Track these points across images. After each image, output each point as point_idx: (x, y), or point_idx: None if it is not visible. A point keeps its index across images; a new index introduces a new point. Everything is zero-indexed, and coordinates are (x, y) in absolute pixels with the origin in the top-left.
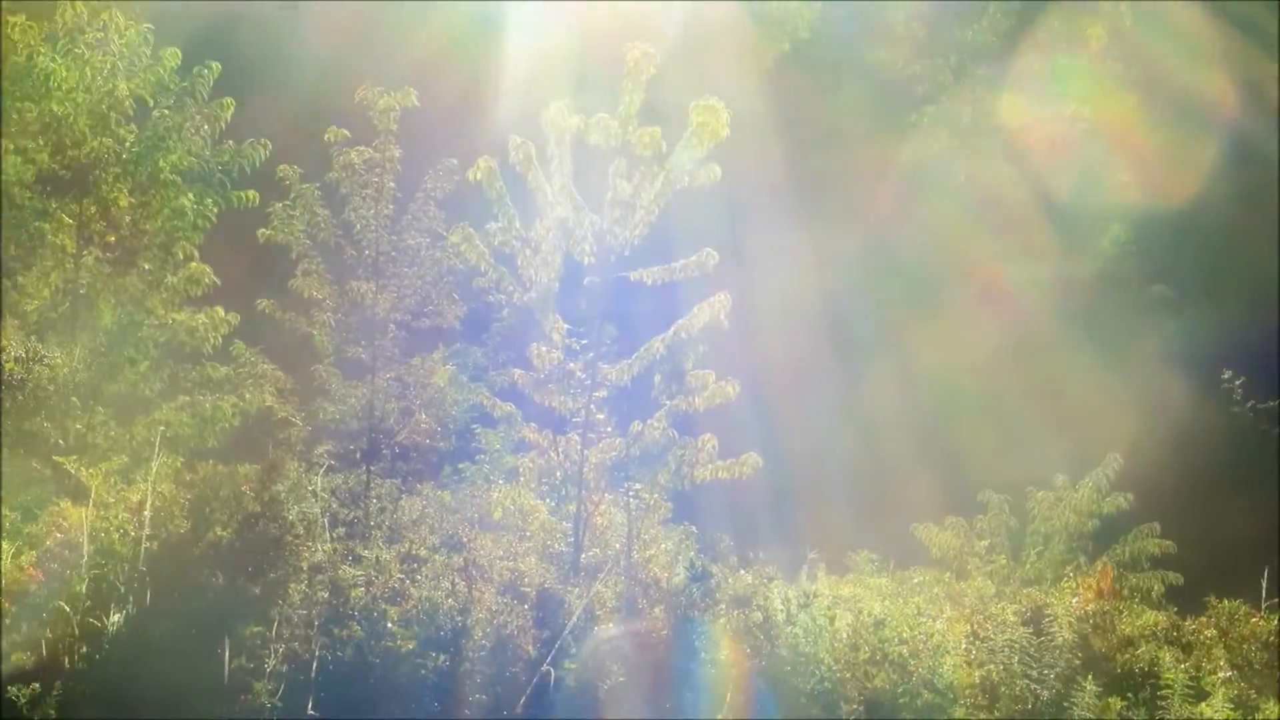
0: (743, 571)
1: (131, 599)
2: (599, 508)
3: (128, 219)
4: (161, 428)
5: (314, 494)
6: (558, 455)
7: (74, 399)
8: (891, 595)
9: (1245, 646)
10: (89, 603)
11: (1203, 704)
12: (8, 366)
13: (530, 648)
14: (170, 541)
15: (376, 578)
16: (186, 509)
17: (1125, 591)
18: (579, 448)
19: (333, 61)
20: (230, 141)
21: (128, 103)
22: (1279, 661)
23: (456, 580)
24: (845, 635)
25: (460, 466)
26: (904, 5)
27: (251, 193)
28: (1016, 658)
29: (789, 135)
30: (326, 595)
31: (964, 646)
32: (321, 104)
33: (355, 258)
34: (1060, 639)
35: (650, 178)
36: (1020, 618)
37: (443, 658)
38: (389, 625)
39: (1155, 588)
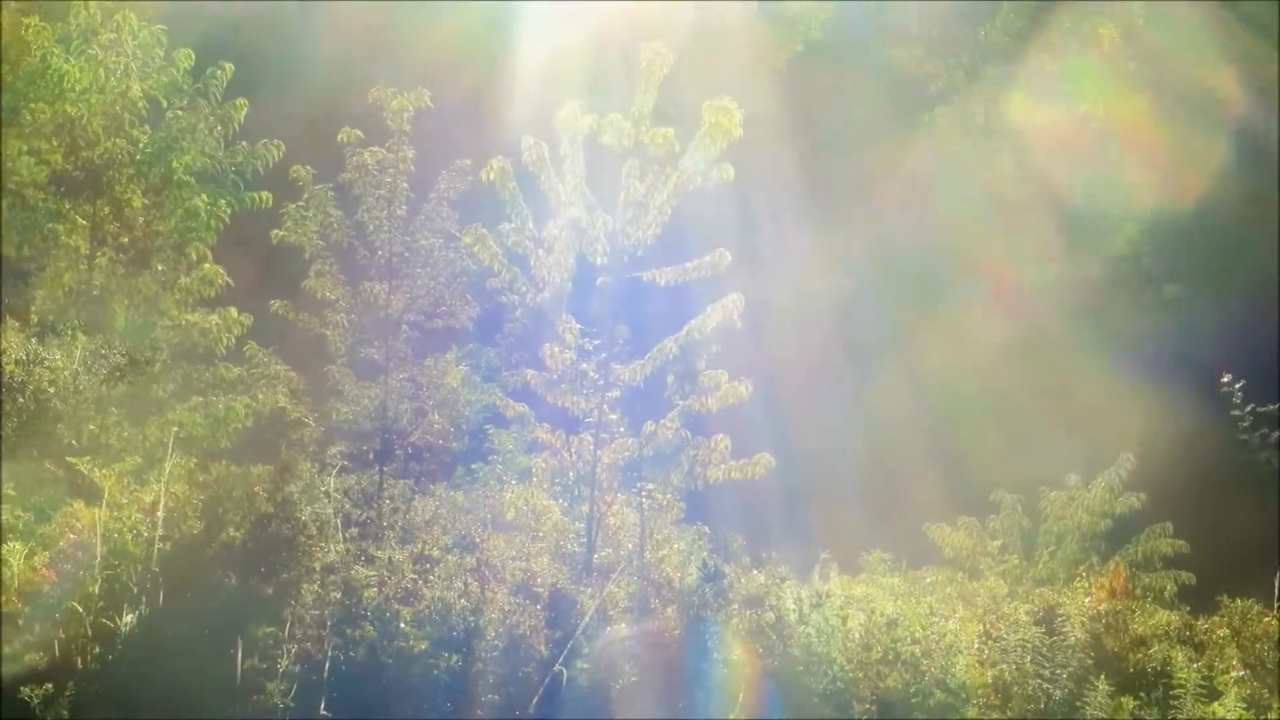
0: (755, 571)
1: (144, 599)
2: (612, 508)
3: (141, 220)
4: (175, 428)
5: (327, 494)
6: (570, 455)
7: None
8: (904, 595)
9: (1258, 646)
10: (102, 603)
11: (1215, 704)
12: (8, 369)
13: (543, 648)
14: (183, 542)
15: (389, 578)
16: (199, 510)
17: (1138, 591)
18: (592, 448)
19: (344, 62)
20: (244, 143)
21: (141, 104)
22: None
23: (469, 580)
24: (858, 635)
25: (473, 467)
26: (917, 5)
27: (265, 194)
28: (1029, 657)
29: (801, 135)
30: (339, 595)
31: (976, 646)
32: (333, 105)
33: (368, 258)
34: (1073, 639)
35: (663, 178)
36: (1033, 617)
37: (455, 658)
38: (402, 625)
39: (1168, 587)
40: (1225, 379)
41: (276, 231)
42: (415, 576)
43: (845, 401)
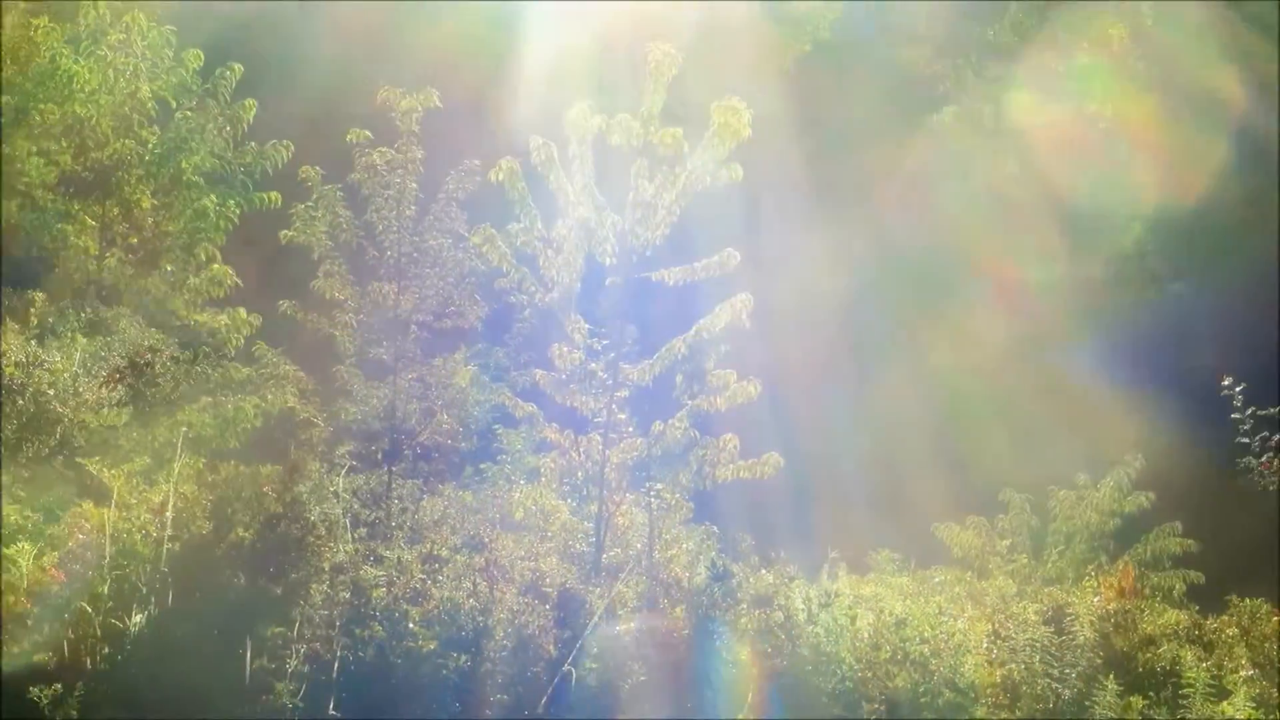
0: (764, 571)
1: (153, 599)
2: (620, 508)
3: (150, 220)
4: (183, 429)
5: (335, 495)
6: (579, 455)
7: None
8: (913, 595)
9: (1267, 645)
10: (111, 603)
11: (1224, 703)
12: (8, 371)
13: (551, 648)
14: (192, 542)
15: (398, 578)
16: (208, 510)
17: (1146, 590)
18: (600, 448)
19: (347, 62)
20: (252, 143)
21: (150, 104)
22: None
23: (478, 580)
24: (866, 635)
25: (482, 467)
26: (925, 5)
27: (274, 194)
28: (1038, 657)
29: (808, 135)
30: (348, 596)
31: (985, 646)
32: (336, 105)
33: (377, 259)
34: (1082, 638)
35: (672, 178)
36: (1042, 617)
37: (464, 658)
38: (410, 625)
39: (1177, 586)
40: (1226, 381)
41: (285, 232)
42: (424, 576)
43: (853, 401)
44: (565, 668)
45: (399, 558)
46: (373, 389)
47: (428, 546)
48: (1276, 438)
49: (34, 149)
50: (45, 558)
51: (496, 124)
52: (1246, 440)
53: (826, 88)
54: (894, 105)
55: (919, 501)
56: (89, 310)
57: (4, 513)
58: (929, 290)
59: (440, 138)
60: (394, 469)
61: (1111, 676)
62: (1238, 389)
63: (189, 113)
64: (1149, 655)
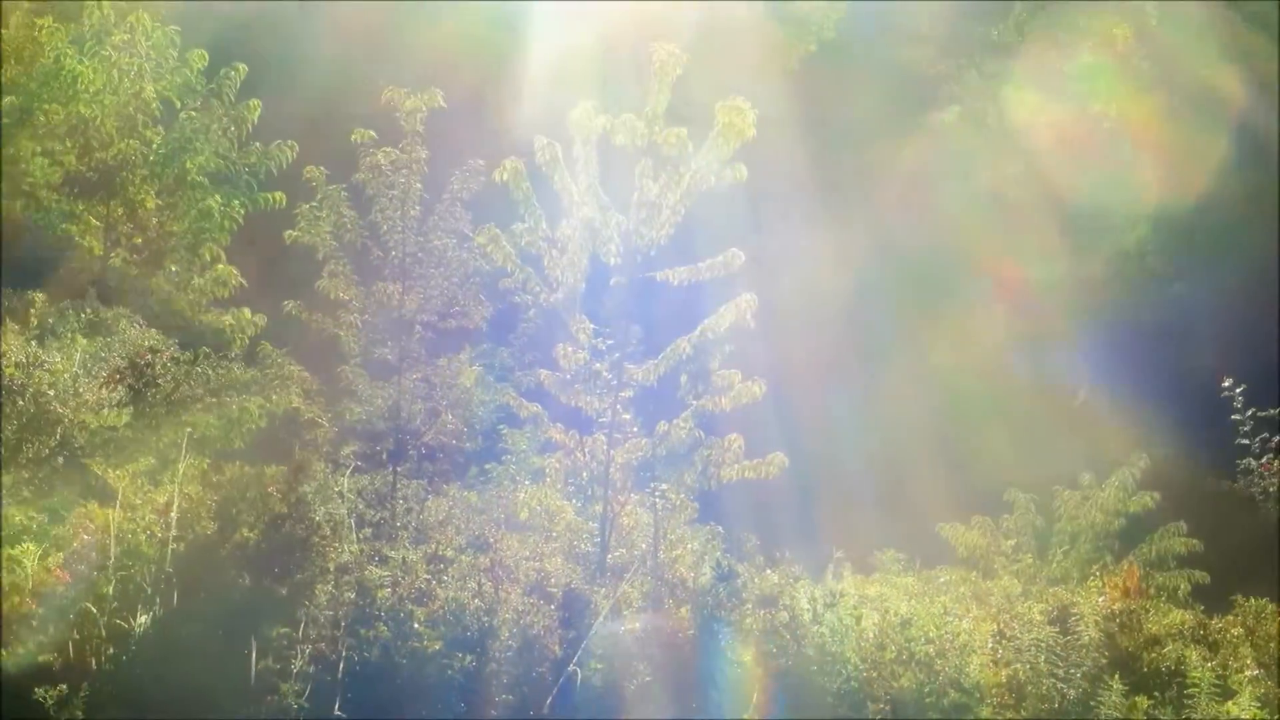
0: (769, 571)
1: (158, 600)
2: (625, 508)
3: (155, 220)
4: (188, 429)
5: (340, 495)
6: (584, 455)
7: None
8: (918, 594)
9: (1272, 645)
10: (116, 604)
11: (1229, 703)
12: (8, 371)
13: (556, 648)
14: (197, 543)
15: (403, 578)
16: (213, 510)
17: (1151, 590)
18: (605, 448)
19: (353, 62)
20: (257, 143)
21: (154, 104)
22: None
23: (483, 581)
24: (871, 635)
25: (486, 467)
26: (929, 5)
27: (278, 194)
28: (1043, 657)
29: (813, 135)
30: (353, 596)
31: (990, 646)
32: (342, 105)
33: (382, 259)
34: (1086, 638)
35: (676, 178)
36: (1046, 617)
37: (469, 658)
38: (415, 626)
39: (1181, 586)
40: (1226, 383)
41: (290, 232)
42: (429, 577)
43: (857, 401)
44: (570, 668)
45: (404, 558)
46: (377, 389)
47: (433, 547)
48: (1276, 439)
49: (38, 149)
50: (50, 558)
51: (500, 124)
52: (1246, 442)
53: (831, 87)
54: (898, 105)
55: (924, 501)
56: (89, 311)
57: (9, 514)
58: (932, 290)
59: (444, 138)
60: (399, 469)
61: (1116, 676)
62: (1238, 390)
63: (193, 113)
64: (1154, 655)
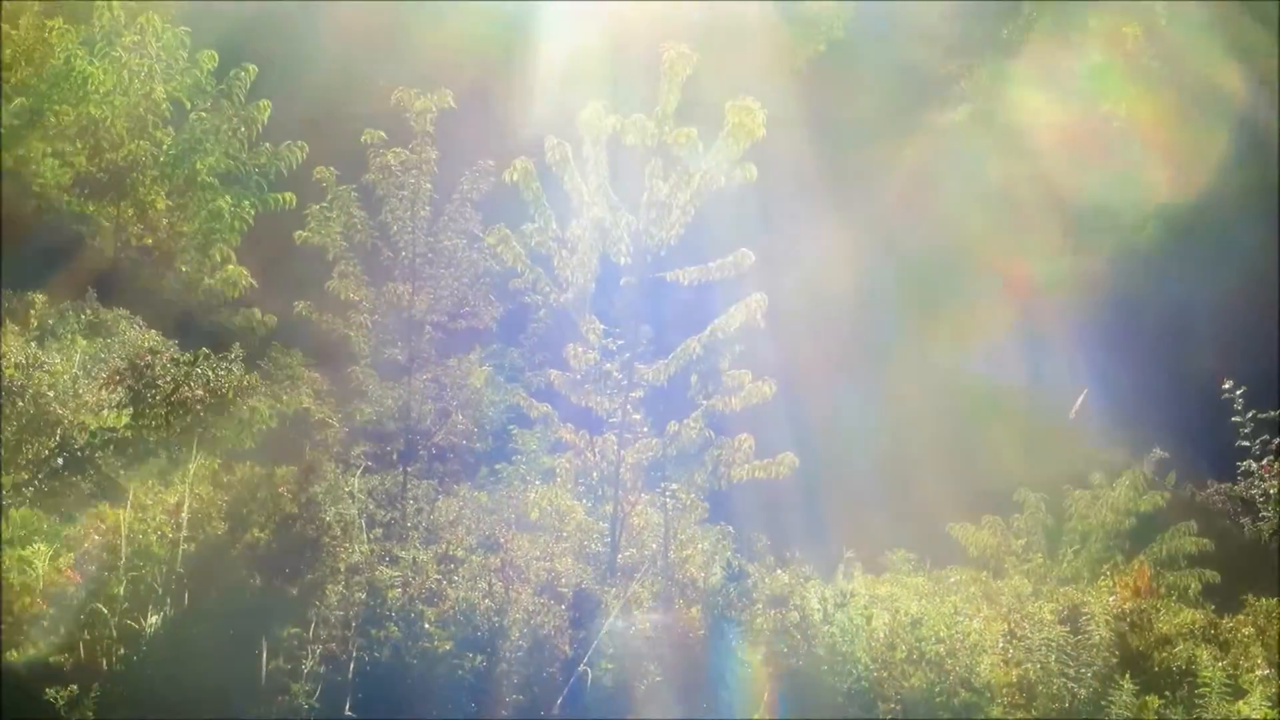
0: (779, 571)
1: (169, 600)
2: (635, 508)
3: (165, 221)
4: (198, 430)
5: (351, 495)
6: (594, 456)
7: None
8: (928, 594)
9: None
10: (127, 604)
11: (1240, 702)
12: (8, 373)
13: (567, 648)
14: (208, 543)
15: (413, 578)
16: (224, 511)
17: (1162, 590)
18: (615, 448)
19: (360, 63)
20: (267, 144)
21: (165, 105)
22: None
23: (493, 581)
24: (882, 634)
25: (497, 467)
26: (938, 5)
27: (289, 194)
28: (1054, 656)
29: (822, 134)
30: (364, 596)
31: (1001, 645)
32: (349, 106)
33: (392, 259)
34: (1097, 637)
35: (686, 178)
36: (1057, 616)
37: (480, 658)
38: (426, 626)
39: (1192, 586)
40: (1226, 385)
41: (301, 233)
42: (439, 577)
43: (866, 400)
44: (581, 668)
45: (414, 558)
46: (388, 390)
47: (443, 547)
48: (1277, 441)
49: (49, 150)
50: (61, 559)
51: (509, 124)
52: (1247, 444)
53: (840, 87)
54: (907, 104)
55: (934, 501)
56: (89, 312)
57: (21, 515)
58: (941, 289)
59: (453, 138)
60: (409, 469)
61: (1127, 676)
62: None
63: (203, 114)
64: (1165, 655)
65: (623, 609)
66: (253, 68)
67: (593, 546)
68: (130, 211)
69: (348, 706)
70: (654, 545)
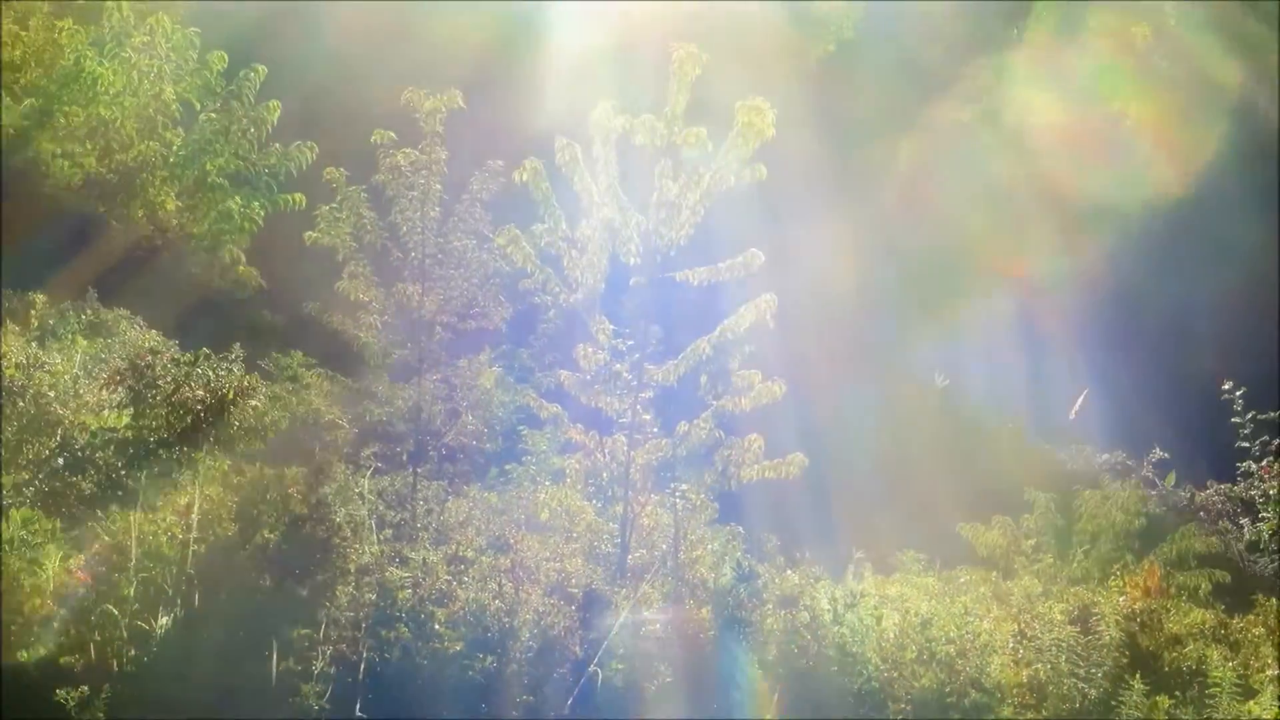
0: (789, 571)
1: (179, 602)
2: (645, 508)
3: (175, 222)
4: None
5: (361, 496)
6: (604, 456)
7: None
8: (938, 595)
9: None
10: (137, 605)
11: (1251, 702)
12: (8, 373)
13: (577, 649)
14: (217, 544)
15: (423, 579)
16: (234, 512)
17: (1172, 590)
18: (625, 448)
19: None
20: (277, 145)
21: (174, 106)
22: None
23: (503, 581)
24: (892, 635)
25: (507, 468)
26: (947, 5)
27: (298, 195)
28: (1064, 657)
29: (831, 134)
30: (374, 597)
31: (1011, 646)
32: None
33: (401, 260)
34: (1107, 638)
35: (696, 178)
36: (1067, 616)
37: (490, 659)
38: (436, 627)
39: (1202, 586)
40: (1226, 386)
41: (310, 233)
42: (449, 578)
43: (876, 400)
44: (591, 669)
45: (424, 559)
46: (397, 390)
47: (453, 548)
48: (1277, 442)
49: (59, 151)
50: (71, 560)
51: (518, 123)
52: (1247, 445)
53: (849, 87)
54: (917, 104)
55: (943, 501)
56: (90, 311)
57: (22, 515)
58: (948, 289)
59: (462, 137)
60: (419, 470)
61: (1137, 676)
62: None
63: (213, 115)
64: (1175, 655)
65: (633, 610)
66: (262, 68)
67: (603, 547)
68: (140, 212)
69: (358, 707)
70: (664, 546)
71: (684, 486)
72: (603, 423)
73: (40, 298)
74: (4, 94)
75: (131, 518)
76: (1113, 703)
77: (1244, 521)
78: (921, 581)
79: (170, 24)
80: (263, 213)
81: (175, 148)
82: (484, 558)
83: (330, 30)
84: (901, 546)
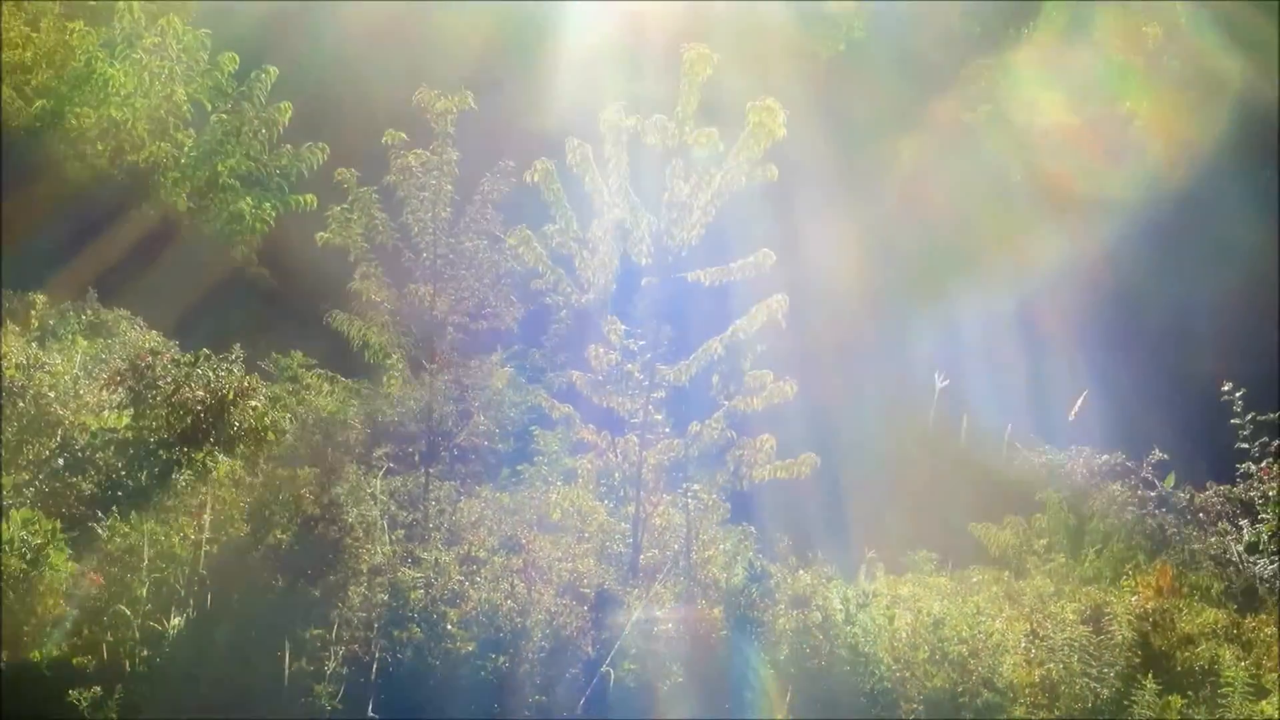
0: (801, 571)
1: (192, 602)
2: (657, 508)
3: (186, 223)
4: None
5: (373, 496)
6: (616, 456)
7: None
8: (950, 594)
9: None
10: (149, 606)
11: (1263, 702)
12: (8, 373)
13: (589, 649)
14: (230, 545)
15: (436, 580)
16: (246, 512)
17: (1184, 589)
18: (637, 449)
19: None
20: (288, 145)
21: (186, 107)
22: None
23: (516, 582)
24: (904, 635)
25: (518, 468)
26: (957, 4)
27: (310, 196)
28: (1076, 656)
29: (840, 134)
30: (386, 597)
31: (1023, 645)
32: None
33: (413, 260)
34: (1120, 637)
35: (707, 178)
36: (1080, 616)
37: (502, 659)
38: (448, 627)
39: (1214, 585)
40: (1225, 387)
41: (322, 234)
42: (462, 578)
43: (886, 400)
44: (603, 669)
45: (436, 559)
46: (409, 391)
47: (465, 548)
48: (1276, 444)
49: (70, 152)
50: (83, 560)
51: (528, 123)
52: (1246, 446)
53: (859, 86)
54: (927, 103)
55: (955, 501)
56: (90, 312)
57: (30, 517)
58: (960, 289)
59: (472, 137)
60: (431, 471)
61: (1150, 676)
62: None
63: (224, 115)
64: (1187, 654)
65: (645, 610)
66: (273, 69)
67: (615, 547)
68: (152, 213)
69: (370, 707)
70: (676, 546)
71: (696, 486)
72: (615, 423)
73: (40, 298)
74: (16, 96)
75: (142, 517)
76: (1125, 702)
77: (1243, 523)
78: (933, 581)
79: (181, 25)
80: (274, 214)
81: (187, 149)
82: (496, 558)
83: (341, 31)
84: (913, 546)
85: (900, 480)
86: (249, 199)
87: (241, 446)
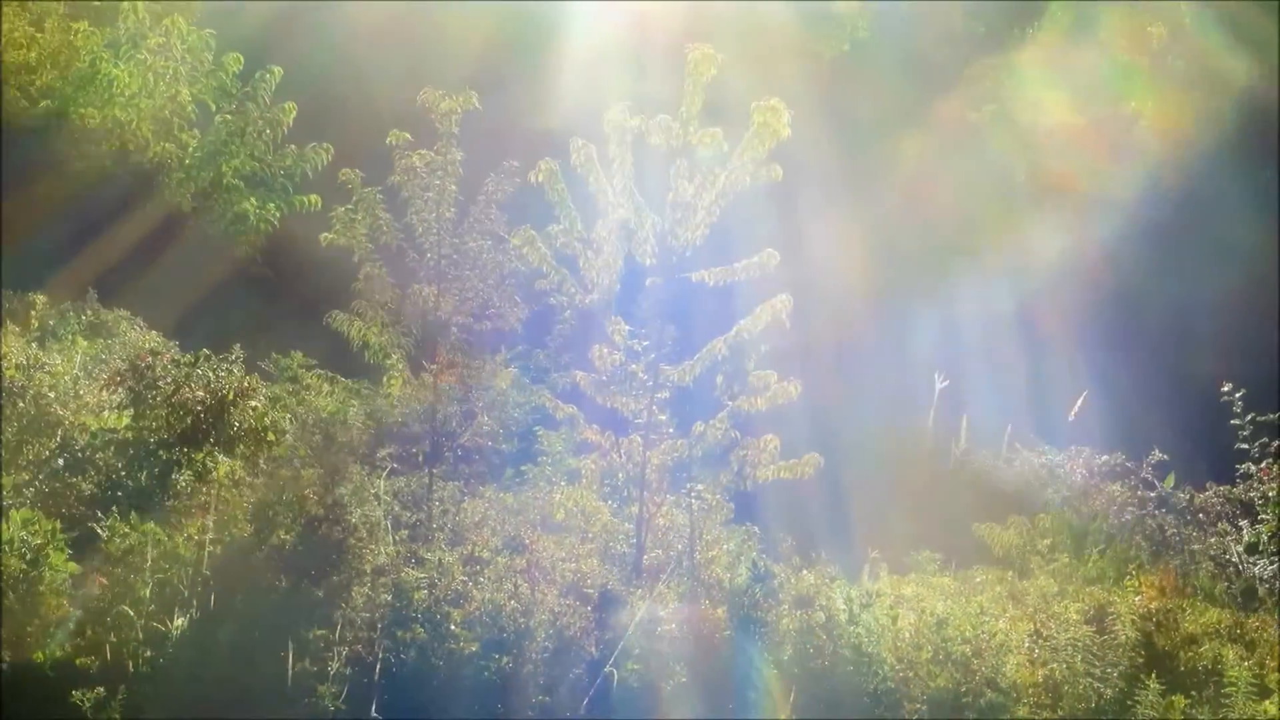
0: (805, 572)
1: (195, 603)
2: (661, 509)
3: (188, 223)
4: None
5: (376, 497)
6: (620, 457)
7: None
8: (954, 594)
9: None
10: (152, 606)
11: (1266, 702)
12: (8, 373)
13: (593, 649)
14: (233, 545)
15: (439, 580)
16: (249, 512)
17: (1188, 589)
18: (641, 449)
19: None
20: (292, 146)
21: (190, 107)
22: None
23: (519, 582)
24: (908, 635)
25: (522, 468)
26: (961, 4)
27: (314, 196)
28: (1079, 656)
29: (844, 134)
30: (389, 598)
31: (1027, 645)
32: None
33: (417, 261)
34: (1123, 637)
35: (711, 179)
36: (1083, 616)
37: (506, 659)
38: (452, 627)
39: (1218, 585)
40: (1225, 388)
41: (326, 234)
42: (465, 578)
43: (890, 400)
44: (607, 669)
45: (440, 560)
46: (413, 391)
47: (469, 548)
48: (1276, 444)
49: (75, 152)
50: (86, 561)
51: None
52: (1246, 446)
53: (864, 86)
54: (932, 103)
55: (958, 501)
56: (90, 312)
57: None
58: (964, 289)
59: (476, 136)
60: (435, 471)
61: (1153, 675)
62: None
63: (229, 116)
64: (1191, 654)
65: (648, 610)
66: (278, 70)
67: (618, 547)
68: (156, 214)
69: (374, 708)
70: (679, 546)
71: (699, 487)
72: (618, 423)
73: (41, 298)
74: (20, 96)
75: (142, 518)
76: (1128, 702)
77: (1243, 524)
78: (937, 581)
79: (185, 25)
80: (278, 214)
81: (191, 149)
82: (500, 558)
83: (345, 31)
84: (916, 546)
85: (903, 480)
86: (253, 199)
87: (241, 447)
